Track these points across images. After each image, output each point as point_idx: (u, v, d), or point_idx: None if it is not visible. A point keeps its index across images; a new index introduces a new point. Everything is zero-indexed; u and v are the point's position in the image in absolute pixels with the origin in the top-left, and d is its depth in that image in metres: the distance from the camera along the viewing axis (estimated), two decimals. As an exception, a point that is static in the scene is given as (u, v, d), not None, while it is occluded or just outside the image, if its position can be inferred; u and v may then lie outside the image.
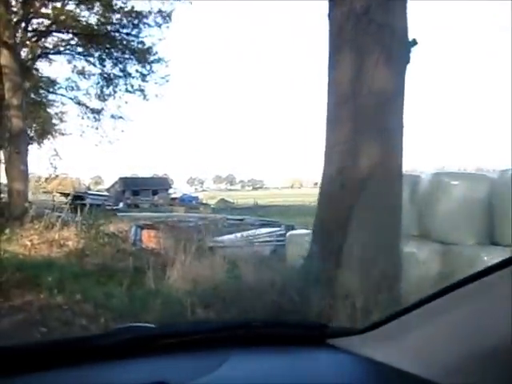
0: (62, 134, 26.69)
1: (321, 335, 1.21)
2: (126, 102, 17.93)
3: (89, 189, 38.44)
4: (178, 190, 57.70)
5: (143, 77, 16.57)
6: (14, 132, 12.75)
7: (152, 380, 0.93)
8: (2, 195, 18.41)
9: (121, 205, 30.80)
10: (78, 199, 19.36)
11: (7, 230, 8.19)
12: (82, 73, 19.67)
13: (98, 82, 18.26)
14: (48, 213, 9.68)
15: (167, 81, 16.99)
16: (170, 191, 51.29)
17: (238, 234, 7.60)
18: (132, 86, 17.32)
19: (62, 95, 19.78)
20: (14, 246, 7.33)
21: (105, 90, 18.17)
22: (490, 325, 0.83)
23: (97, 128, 20.19)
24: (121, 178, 50.25)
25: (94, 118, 20.48)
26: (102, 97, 19.33)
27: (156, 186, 50.40)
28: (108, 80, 17.50)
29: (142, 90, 17.12)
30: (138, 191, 46.19)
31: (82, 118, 20.87)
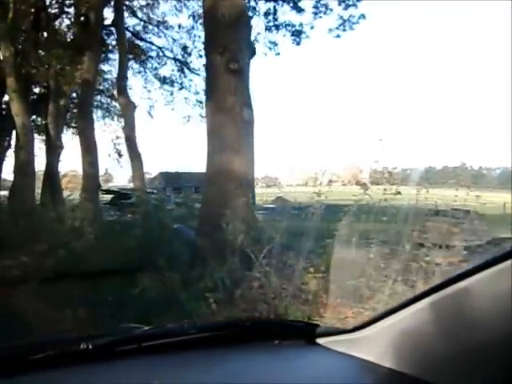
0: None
1: (310, 335, 1.21)
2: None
3: (99, 186, 34.59)
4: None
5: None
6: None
7: (142, 381, 0.94)
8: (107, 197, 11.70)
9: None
10: (122, 198, 15.59)
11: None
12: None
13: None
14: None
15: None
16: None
17: None
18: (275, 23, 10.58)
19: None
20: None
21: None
22: (479, 323, 0.81)
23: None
24: (161, 173, 46.69)
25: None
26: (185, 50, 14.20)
27: (199, 183, 46.60)
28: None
29: (294, 26, 10.61)
30: (180, 188, 42.35)
31: (149, 91, 16.34)
